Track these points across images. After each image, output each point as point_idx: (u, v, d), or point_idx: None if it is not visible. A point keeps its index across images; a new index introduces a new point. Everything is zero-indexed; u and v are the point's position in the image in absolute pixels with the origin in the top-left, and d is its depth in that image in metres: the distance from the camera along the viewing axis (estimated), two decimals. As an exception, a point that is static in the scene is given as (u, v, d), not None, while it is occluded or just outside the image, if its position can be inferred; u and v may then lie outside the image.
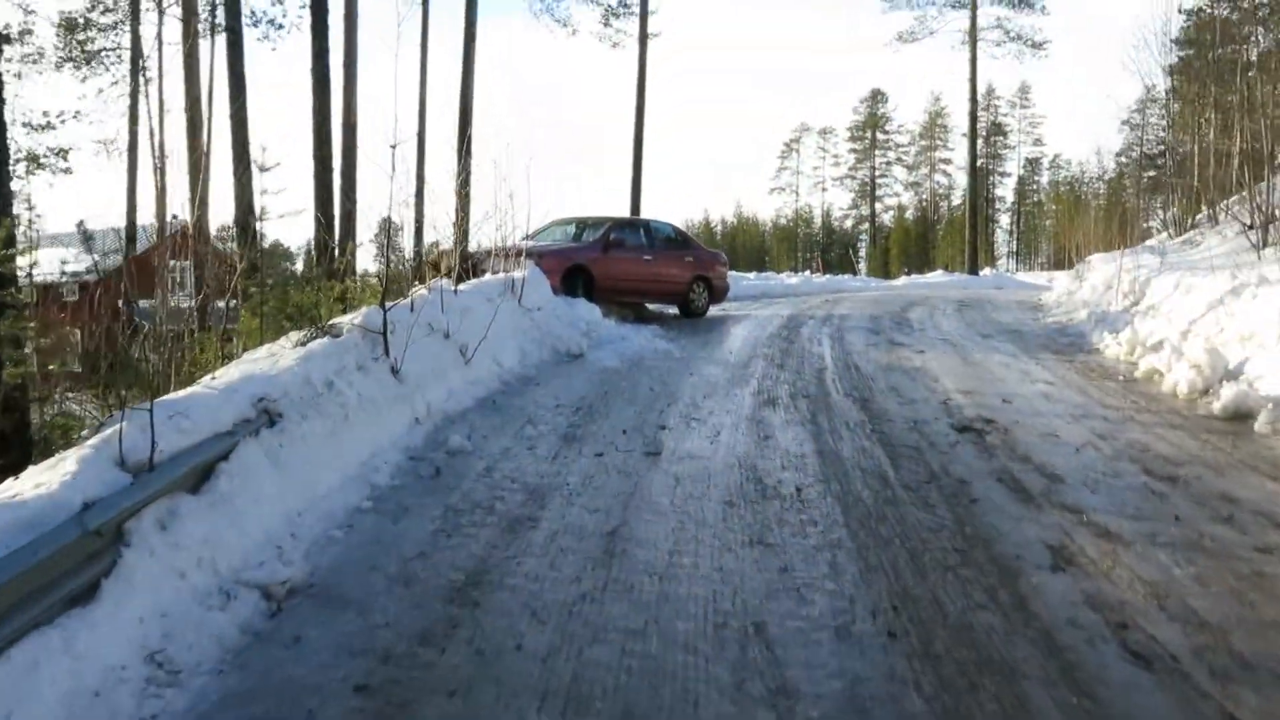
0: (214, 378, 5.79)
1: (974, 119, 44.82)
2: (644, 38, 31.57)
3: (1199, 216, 22.72)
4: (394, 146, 8.99)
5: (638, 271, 15.74)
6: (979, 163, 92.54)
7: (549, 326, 12.38)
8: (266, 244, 20.39)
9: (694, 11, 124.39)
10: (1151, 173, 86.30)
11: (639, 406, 8.64)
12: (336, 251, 17.25)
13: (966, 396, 9.04)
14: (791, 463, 6.74)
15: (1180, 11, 31.21)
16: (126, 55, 28.63)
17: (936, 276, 40.88)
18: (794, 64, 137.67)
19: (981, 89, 43.51)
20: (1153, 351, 10.95)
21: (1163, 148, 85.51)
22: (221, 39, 23.31)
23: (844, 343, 12.90)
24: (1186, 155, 24.41)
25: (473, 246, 14.48)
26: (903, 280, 38.22)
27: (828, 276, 35.47)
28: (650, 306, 16.94)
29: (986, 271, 49.04)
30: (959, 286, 34.20)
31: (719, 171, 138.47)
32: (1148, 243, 20.66)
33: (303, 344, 7.06)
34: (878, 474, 6.48)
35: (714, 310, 17.39)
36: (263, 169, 10.89)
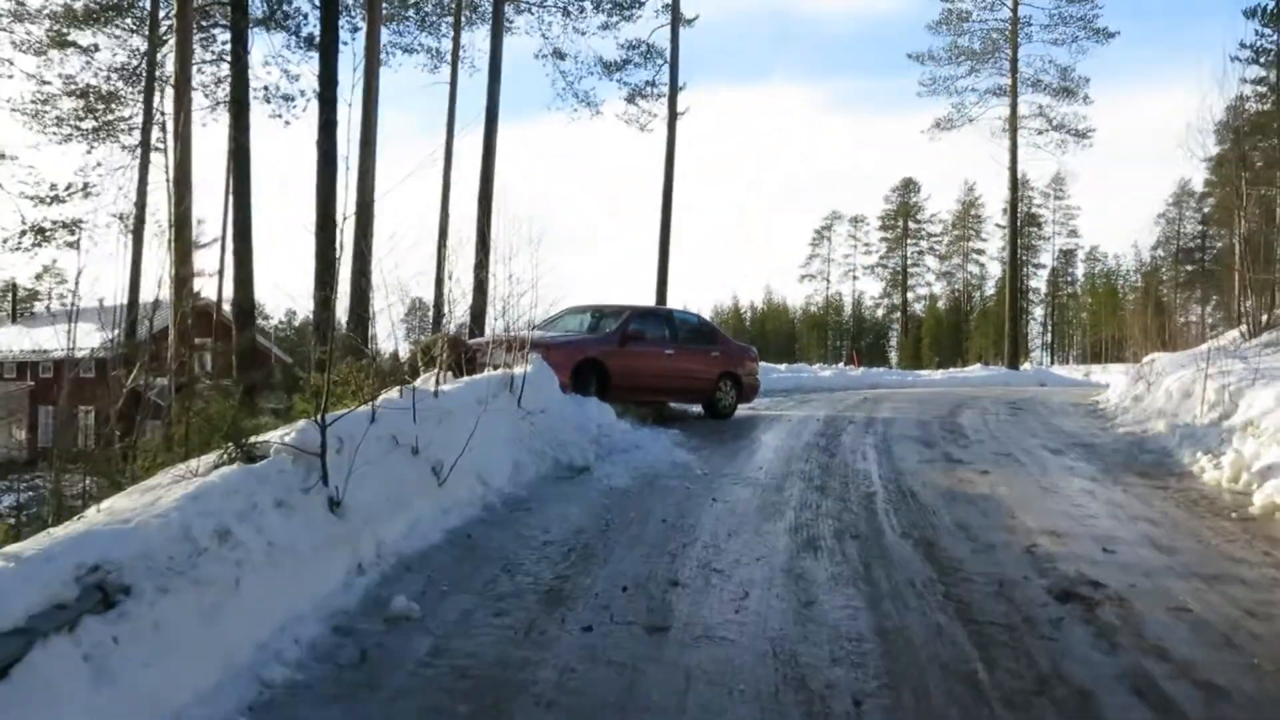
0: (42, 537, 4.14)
1: (1014, 208, 43.38)
2: (673, 118, 30.52)
3: (1277, 314, 20.94)
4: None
5: (659, 367, 14.12)
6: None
7: (552, 433, 10.73)
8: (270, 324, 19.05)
9: (726, 99, 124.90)
10: (1190, 267, 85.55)
11: (647, 548, 6.92)
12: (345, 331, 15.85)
13: (1055, 541, 7.26)
14: (844, 651, 4.98)
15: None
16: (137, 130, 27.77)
17: (976, 371, 39.09)
18: (826, 153, 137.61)
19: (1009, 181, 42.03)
20: (1263, 479, 9.18)
21: (1199, 240, 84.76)
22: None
23: (892, 457, 11.16)
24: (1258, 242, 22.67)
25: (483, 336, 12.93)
26: (941, 375, 36.38)
27: (863, 369, 33.73)
28: (672, 405, 15.29)
29: (1026, 366, 47.18)
30: (1001, 383, 32.38)
31: (749, 257, 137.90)
32: (1218, 343, 18.83)
33: (204, 474, 5.44)
34: (965, 675, 4.70)
35: (743, 410, 15.71)
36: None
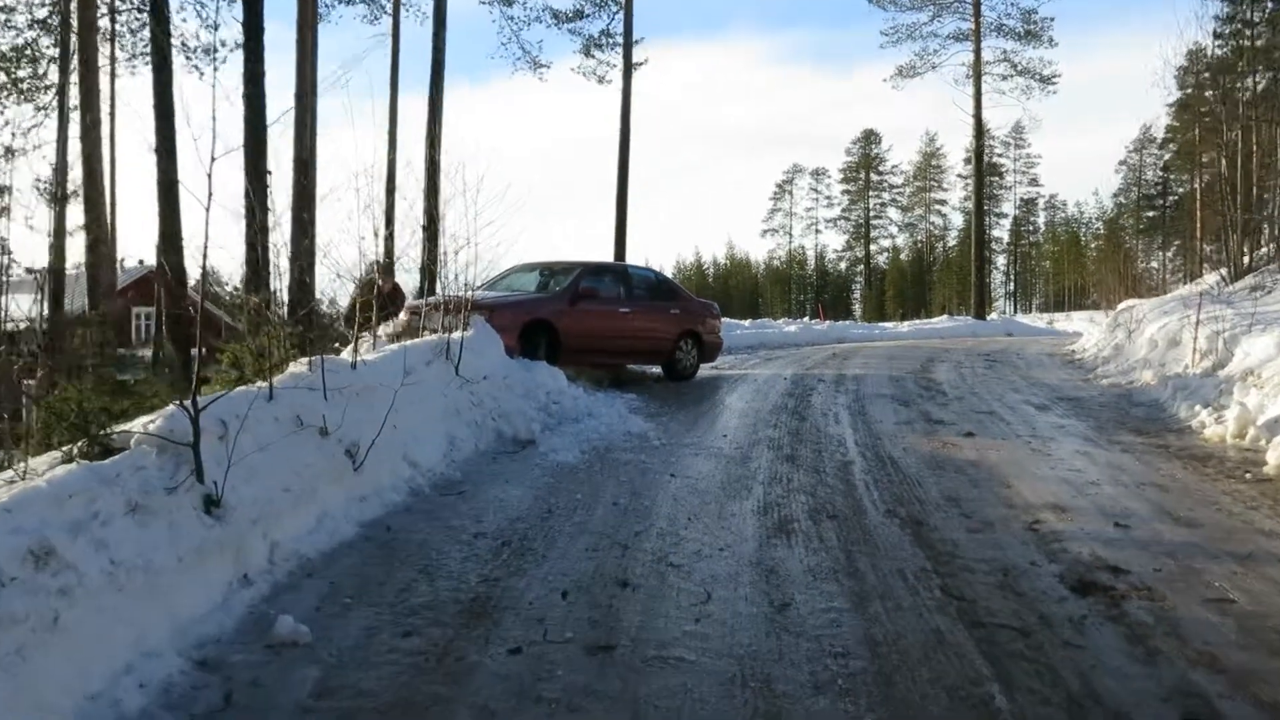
0: None
1: (979, 157, 42.55)
2: (628, 69, 29.29)
3: (1260, 256, 20.19)
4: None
5: (614, 327, 13.12)
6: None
7: (495, 403, 9.74)
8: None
9: (682, 51, 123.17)
10: (1151, 213, 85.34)
11: (593, 538, 5.95)
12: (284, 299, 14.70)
13: (1059, 516, 6.38)
14: (829, 672, 4.03)
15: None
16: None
17: (942, 322, 38.40)
18: (786, 104, 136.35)
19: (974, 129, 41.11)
20: (1272, 433, 8.41)
21: (1160, 187, 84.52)
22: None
23: (868, 419, 10.25)
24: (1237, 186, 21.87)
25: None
26: (907, 327, 35.66)
27: (829, 324, 32.89)
28: (631, 367, 14.31)
29: (993, 316, 46.63)
30: (969, 334, 31.74)
31: (711, 212, 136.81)
32: (1197, 288, 18.09)
33: (40, 476, 4.40)
34: (978, 702, 3.78)
35: (705, 370, 14.77)
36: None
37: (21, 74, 24.13)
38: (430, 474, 7.52)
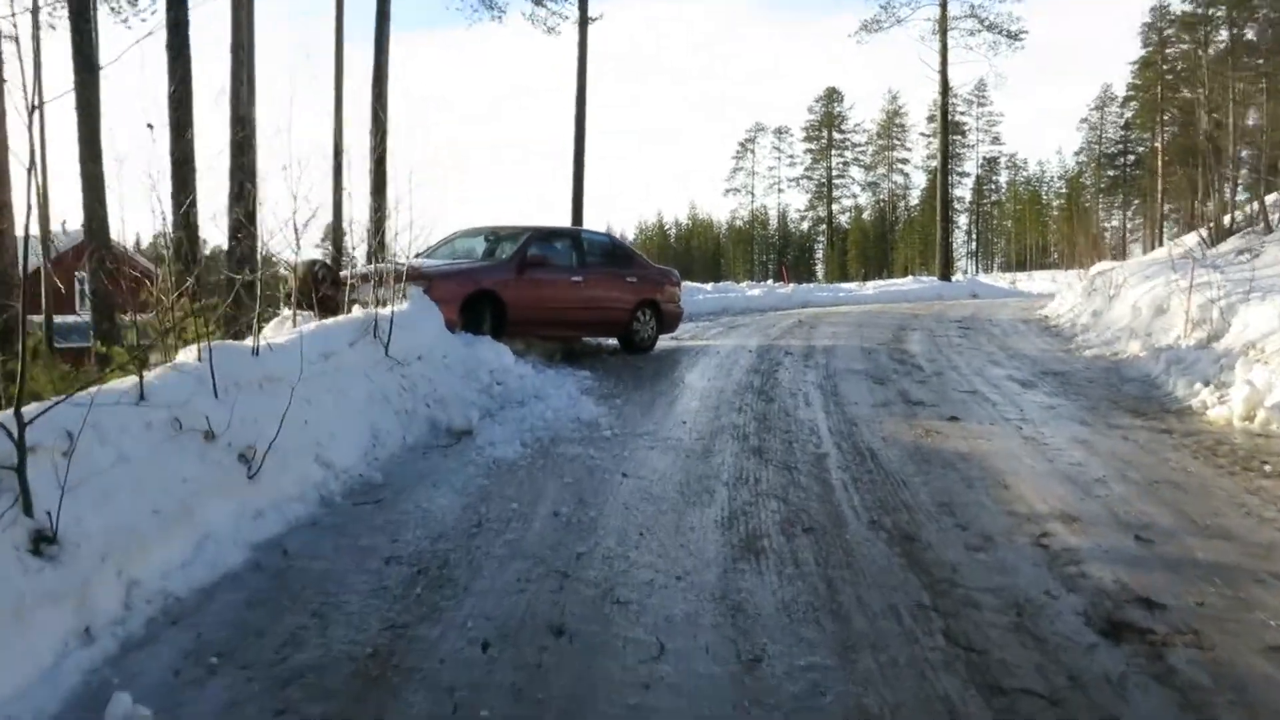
0: None
1: (945, 114, 41.66)
2: (584, 20, 28.02)
3: (1241, 216, 19.44)
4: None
5: (565, 297, 12.13)
6: (938, 163, 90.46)
7: (430, 386, 8.78)
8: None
9: (641, 5, 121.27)
10: (1112, 172, 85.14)
11: (527, 563, 5.00)
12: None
13: (1070, 527, 5.51)
14: (814, 769, 3.15)
15: None
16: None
17: (908, 284, 37.65)
18: (748, 61, 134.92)
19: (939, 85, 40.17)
20: (1285, 415, 7.64)
21: (1121, 146, 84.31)
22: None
23: (840, 400, 9.36)
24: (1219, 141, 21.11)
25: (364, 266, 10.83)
26: (872, 289, 34.89)
27: (793, 287, 32.02)
28: (585, 339, 13.35)
29: (958, 277, 46.02)
30: (934, 296, 31.06)
31: (672, 173, 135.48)
32: (1176, 249, 17.32)
33: None
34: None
35: (664, 341, 13.83)
36: None
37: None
38: (346, 477, 6.54)
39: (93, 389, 4.98)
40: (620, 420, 8.48)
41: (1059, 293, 22.37)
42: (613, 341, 13.42)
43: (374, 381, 8.03)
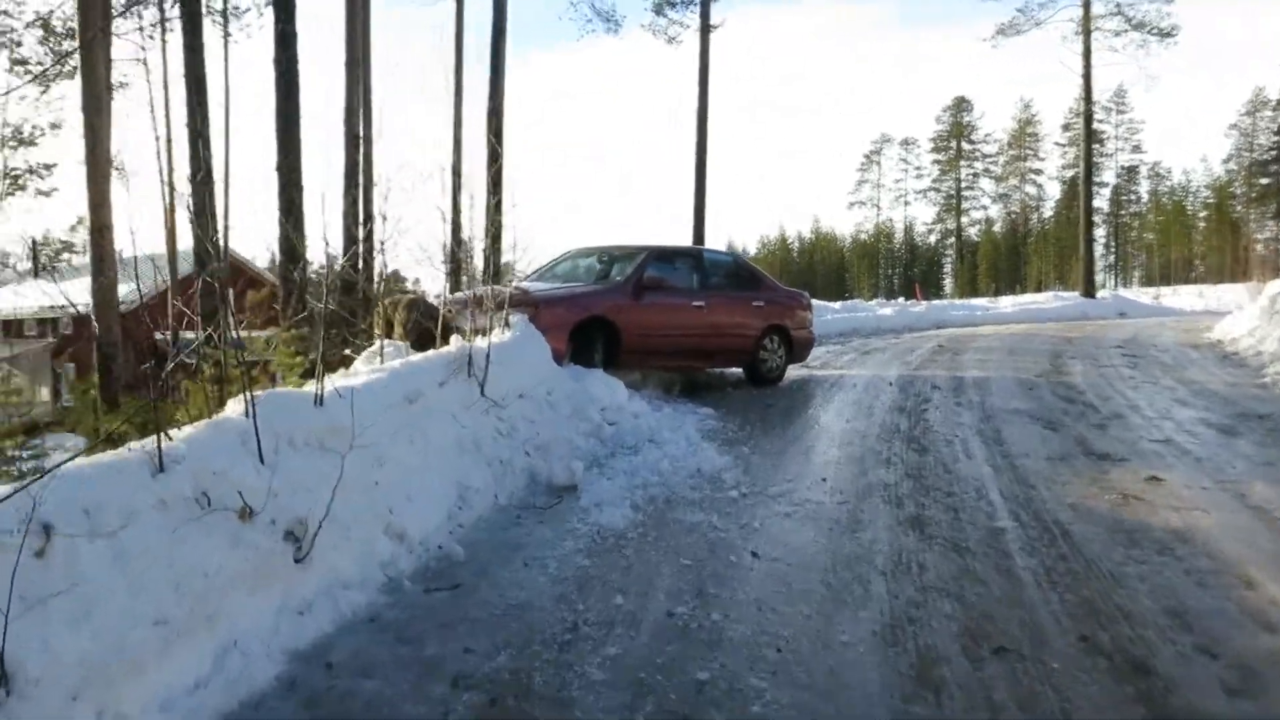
0: None
1: (1088, 119, 39.14)
2: (706, 28, 26.97)
3: None
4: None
5: (685, 323, 10.96)
6: (1075, 172, 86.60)
7: (532, 430, 7.74)
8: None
9: (762, 13, 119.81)
10: (1265, 180, 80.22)
11: (630, 694, 3.83)
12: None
13: (1360, 653, 4.10)
14: None
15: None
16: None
17: (1048, 300, 35.39)
18: (872, 71, 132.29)
19: (1078, 93, 37.76)
20: None
21: (1275, 154, 79.41)
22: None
23: (1007, 450, 7.95)
24: None
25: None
26: (1011, 306, 32.84)
27: (927, 304, 30.29)
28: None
29: (1102, 293, 43.39)
30: (1079, 315, 28.96)
31: (794, 186, 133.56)
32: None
33: None
34: None
35: (794, 370, 12.55)
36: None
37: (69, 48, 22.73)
38: (421, 551, 5.48)
39: (90, 460, 3.99)
40: (748, 475, 7.25)
41: (1230, 313, 20.27)
42: (737, 371, 12.21)
43: (465, 426, 6.98)
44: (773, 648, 4.24)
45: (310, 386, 6.85)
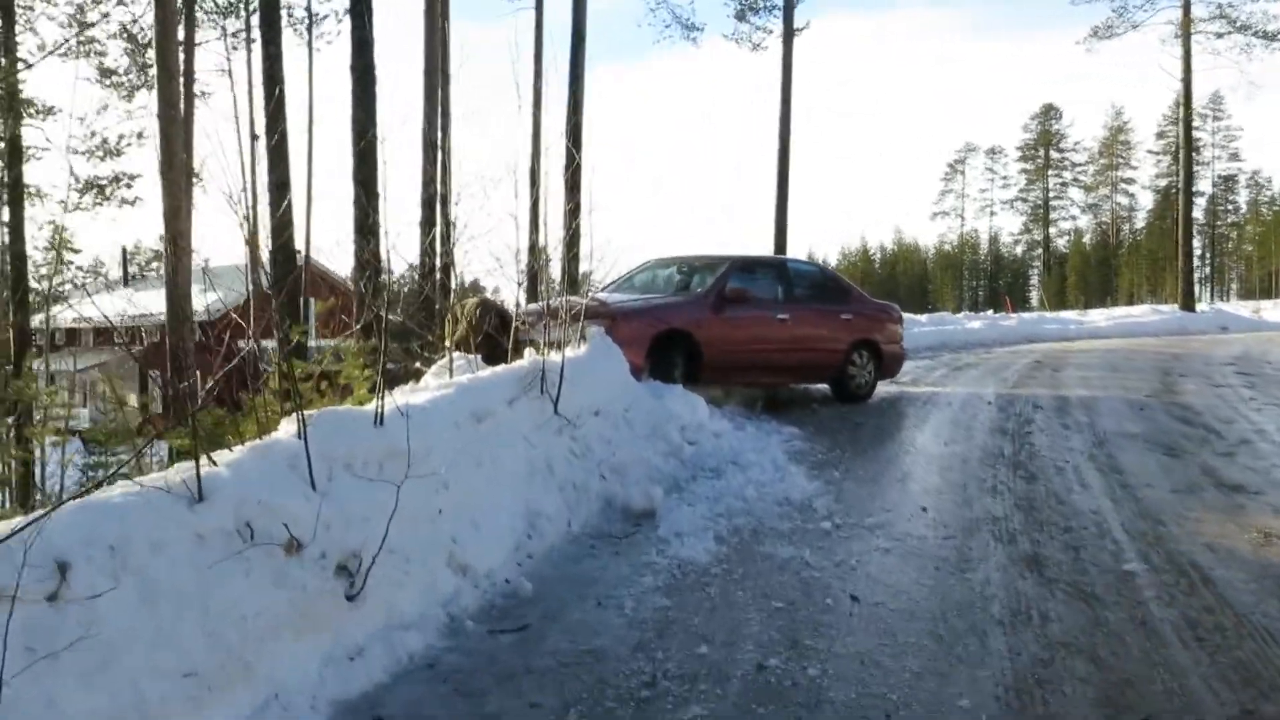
0: None
1: (1188, 125, 37.62)
2: (789, 34, 26.34)
3: None
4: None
5: (769, 337, 10.40)
6: (1169, 181, 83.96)
7: (608, 450, 7.27)
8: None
9: (845, 20, 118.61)
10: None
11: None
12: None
13: None
14: None
15: None
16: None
17: (1144, 314, 33.99)
18: (957, 79, 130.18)
19: (1173, 99, 36.35)
20: None
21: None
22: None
23: (1126, 480, 7.26)
24: None
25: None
26: (1105, 320, 31.58)
27: (1017, 318, 29.27)
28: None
29: (1202, 306, 41.72)
30: (1179, 329, 27.67)
31: (877, 196, 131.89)
32: None
33: None
34: None
35: (884, 387, 11.91)
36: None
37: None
38: (486, 585, 5.04)
39: (115, 490, 3.60)
40: (840, 503, 6.69)
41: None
42: (822, 387, 11.62)
43: (536, 447, 6.53)
44: (880, 712, 3.69)
45: (412, 391, 6.51)
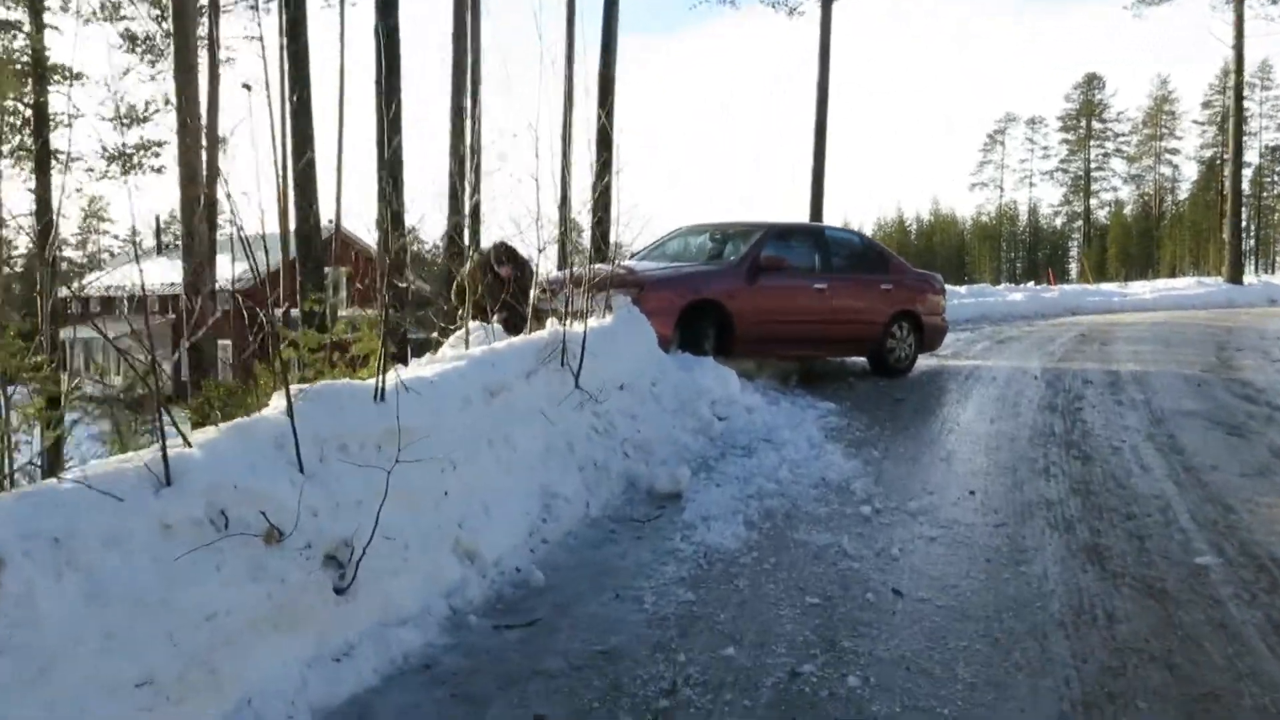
0: None
1: (1239, 93, 36.43)
2: (828, -1, 25.58)
3: None
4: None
5: (806, 308, 9.91)
6: (1214, 152, 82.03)
7: (632, 427, 6.87)
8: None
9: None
10: None
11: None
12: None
13: None
14: None
15: None
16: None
17: (1189, 286, 33.04)
18: (997, 48, 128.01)
19: (1221, 67, 35.18)
20: None
21: None
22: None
23: (1189, 462, 6.74)
24: None
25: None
26: (1150, 293, 30.70)
27: (1060, 289, 28.53)
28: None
29: (1249, 279, 40.66)
30: (1225, 302, 26.83)
31: (913, 166, 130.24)
32: None
33: None
34: None
35: (924, 360, 11.39)
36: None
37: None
38: (494, 574, 4.63)
39: (73, 472, 3.21)
40: (881, 485, 6.22)
41: None
42: (859, 360, 11.12)
43: (555, 424, 6.10)
44: (934, 734, 3.25)
45: (422, 364, 6.11)
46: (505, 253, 8.95)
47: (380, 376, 4.73)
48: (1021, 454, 7.02)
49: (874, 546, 5.05)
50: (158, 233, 52.68)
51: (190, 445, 3.68)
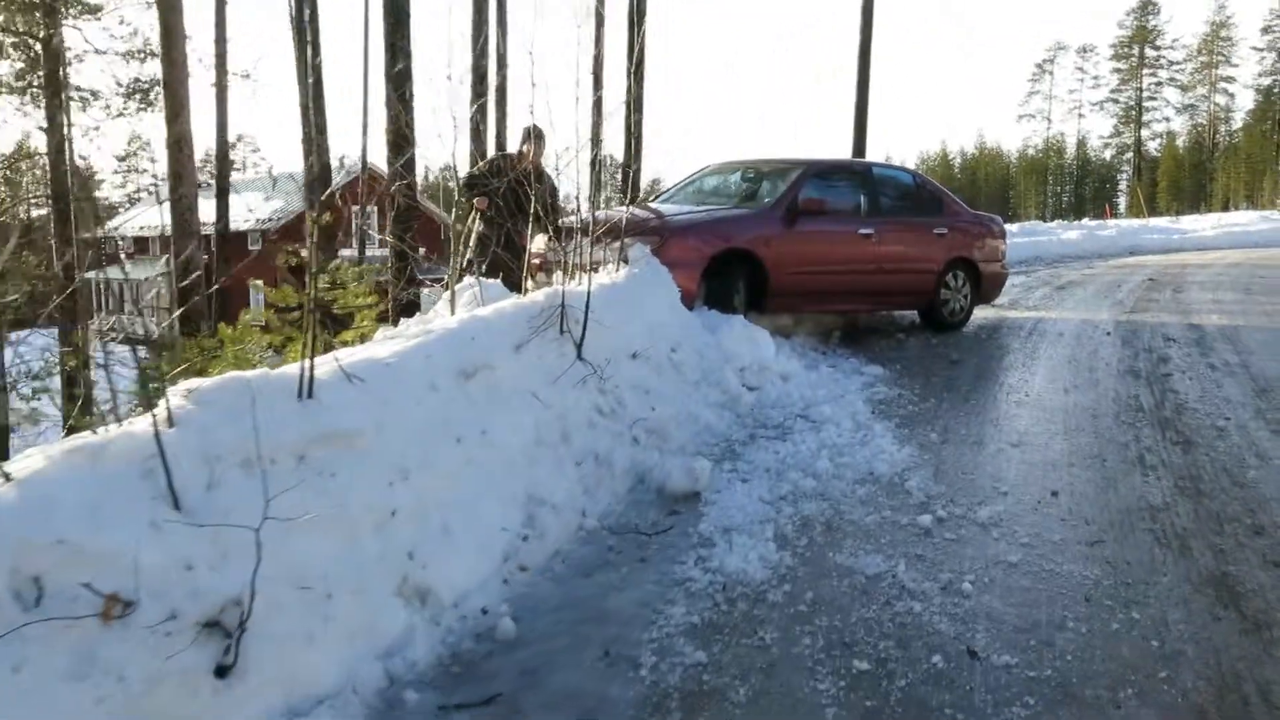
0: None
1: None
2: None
3: None
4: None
5: (851, 257, 8.79)
6: (1273, 80, 78.75)
7: (644, 403, 5.82)
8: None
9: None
10: None
11: None
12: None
13: None
14: None
15: None
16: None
17: (1250, 221, 31.25)
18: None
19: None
20: None
21: None
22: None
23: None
24: None
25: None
26: (1212, 228, 29.03)
27: (1117, 226, 27.01)
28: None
29: (1314, 214, 38.62)
30: (1288, 238, 25.22)
31: (958, 98, 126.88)
32: None
33: None
34: None
35: (979, 312, 10.22)
36: None
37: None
38: (453, 621, 3.62)
39: None
40: (941, 482, 5.13)
41: None
42: (908, 312, 9.98)
43: (549, 408, 5.06)
44: None
45: (379, 342, 5.08)
46: (531, 130, 8.03)
47: (308, 363, 3.69)
48: (1108, 436, 5.89)
49: (938, 577, 3.98)
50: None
51: (7, 479, 2.67)
